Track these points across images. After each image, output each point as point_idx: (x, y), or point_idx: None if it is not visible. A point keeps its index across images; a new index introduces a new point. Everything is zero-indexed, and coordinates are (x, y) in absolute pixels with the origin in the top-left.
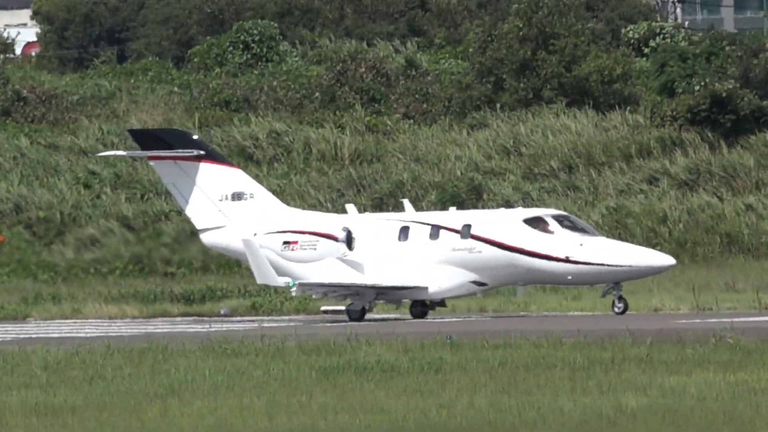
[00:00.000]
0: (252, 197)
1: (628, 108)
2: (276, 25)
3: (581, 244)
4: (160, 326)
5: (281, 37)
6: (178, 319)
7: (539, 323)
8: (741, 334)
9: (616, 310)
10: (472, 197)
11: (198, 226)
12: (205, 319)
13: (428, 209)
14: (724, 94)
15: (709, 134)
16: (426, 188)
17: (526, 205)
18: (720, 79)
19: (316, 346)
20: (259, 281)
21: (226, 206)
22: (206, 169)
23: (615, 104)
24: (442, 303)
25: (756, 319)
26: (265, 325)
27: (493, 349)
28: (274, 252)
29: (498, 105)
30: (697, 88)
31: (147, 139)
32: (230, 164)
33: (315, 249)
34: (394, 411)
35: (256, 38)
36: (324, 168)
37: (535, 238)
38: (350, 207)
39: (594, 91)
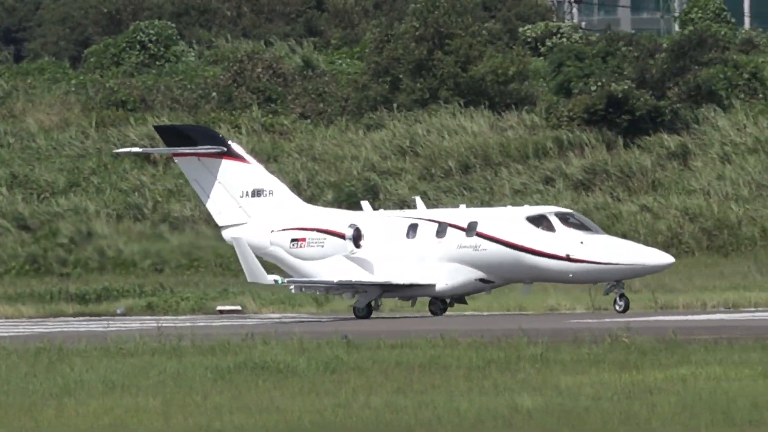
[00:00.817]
0: (271, 194)
1: (525, 108)
2: (173, 25)
3: (582, 242)
4: (56, 326)
5: (178, 37)
6: (74, 319)
7: (435, 323)
8: (636, 334)
9: (617, 308)
10: (368, 197)
11: (219, 223)
12: (105, 319)
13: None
14: (620, 95)
15: (606, 134)
16: (322, 188)
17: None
18: (616, 79)
19: (211, 346)
20: (249, 279)
21: (247, 203)
22: (228, 165)
23: (511, 104)
24: (462, 300)
25: (651, 318)
26: (164, 324)
27: (390, 349)
28: (283, 249)
29: (394, 105)
30: (593, 88)
31: (172, 135)
32: (251, 161)
33: (322, 246)
34: (290, 411)
35: (153, 38)
36: None
37: (537, 236)
38: (365, 204)
39: (490, 92)
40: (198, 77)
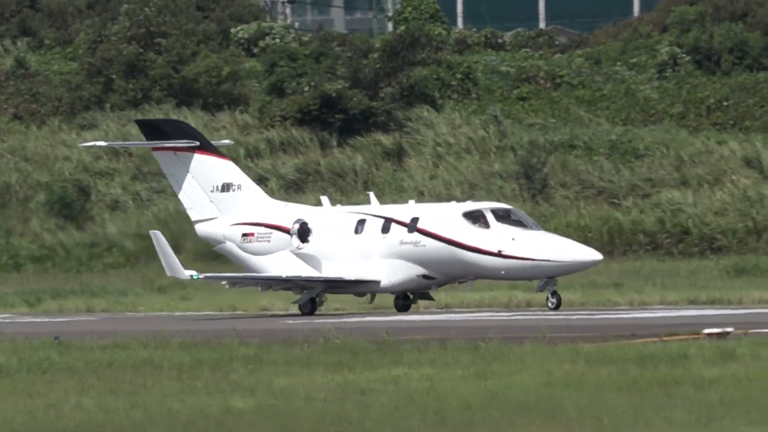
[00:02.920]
0: (239, 189)
1: (238, 108)
2: None
3: (513, 239)
4: None
5: None
6: None
7: (147, 324)
8: (349, 335)
9: (549, 305)
10: (80, 198)
11: (192, 218)
12: None
13: (36, 210)
14: (333, 95)
15: (320, 134)
16: (35, 189)
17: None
18: (330, 79)
19: None
20: (168, 274)
21: (217, 197)
22: (200, 159)
23: (224, 105)
24: (427, 296)
25: (363, 319)
26: None
27: (101, 350)
28: (235, 244)
29: (108, 105)
30: (306, 88)
31: (150, 129)
32: (222, 155)
33: (269, 241)
34: (2, 412)
35: None
36: None
37: (472, 232)
38: (324, 199)
39: (203, 92)
40: None
